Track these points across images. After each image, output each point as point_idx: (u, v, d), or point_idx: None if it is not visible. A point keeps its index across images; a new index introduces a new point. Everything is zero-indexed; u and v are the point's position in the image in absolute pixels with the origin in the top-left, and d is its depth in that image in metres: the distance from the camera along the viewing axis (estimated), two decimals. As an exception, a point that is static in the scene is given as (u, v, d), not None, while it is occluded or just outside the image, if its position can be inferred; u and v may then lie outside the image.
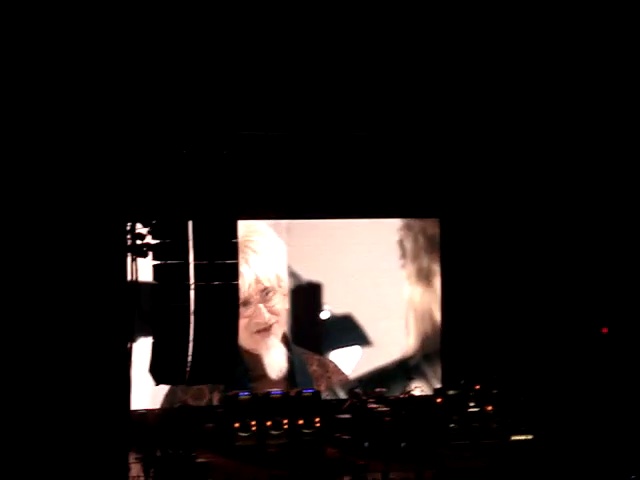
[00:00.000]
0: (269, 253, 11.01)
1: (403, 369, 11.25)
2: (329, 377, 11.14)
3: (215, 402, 10.62)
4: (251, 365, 10.93)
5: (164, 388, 10.42)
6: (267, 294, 11.00)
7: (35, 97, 9.52)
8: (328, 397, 10.91)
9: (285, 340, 11.12)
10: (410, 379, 10.99)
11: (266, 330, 10.97)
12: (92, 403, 9.80)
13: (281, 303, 11.07)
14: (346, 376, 11.17)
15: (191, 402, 10.59)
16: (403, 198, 11.20)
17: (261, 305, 10.97)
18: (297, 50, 10.18)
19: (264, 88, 10.19)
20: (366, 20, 10.24)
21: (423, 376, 11.26)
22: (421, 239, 11.43)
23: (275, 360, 11.04)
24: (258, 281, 10.93)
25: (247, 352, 10.81)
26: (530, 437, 10.16)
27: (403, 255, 11.40)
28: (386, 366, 11.26)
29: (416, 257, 11.41)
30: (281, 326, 11.07)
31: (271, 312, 11.00)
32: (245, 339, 10.49)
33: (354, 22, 10.25)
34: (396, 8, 10.11)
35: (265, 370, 10.99)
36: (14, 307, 9.68)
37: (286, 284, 11.12)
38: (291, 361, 11.03)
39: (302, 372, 11.09)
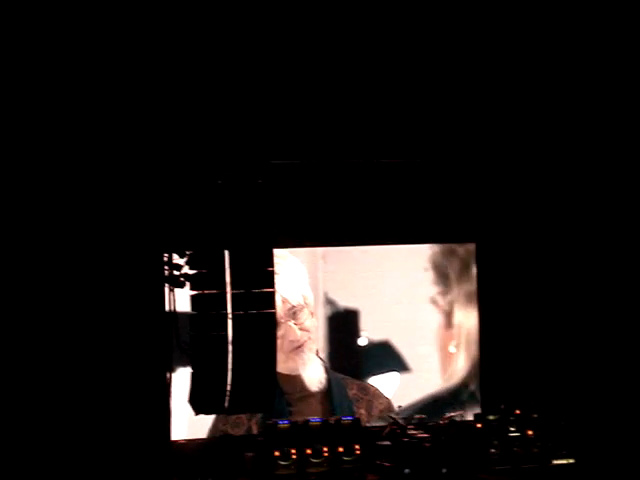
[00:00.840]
0: (290, 274, 11.01)
1: (452, 395, 11.22)
2: (369, 400, 11.11)
3: (254, 431, 10.60)
4: (290, 387, 10.92)
5: (204, 418, 10.42)
6: (295, 313, 10.99)
7: (73, 128, 9.66)
8: (369, 423, 10.86)
9: (319, 356, 11.11)
10: (453, 405, 10.95)
11: (300, 347, 10.96)
12: (132, 434, 9.88)
13: (310, 320, 11.05)
14: (387, 399, 11.13)
15: (230, 431, 10.59)
16: (438, 223, 11.17)
17: (291, 323, 10.96)
18: (329, 76, 10.24)
19: (297, 116, 10.25)
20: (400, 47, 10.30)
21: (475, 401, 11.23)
22: (458, 263, 11.40)
23: (314, 374, 10.99)
24: (285, 301, 10.92)
25: (285, 375, 10.81)
26: (572, 461, 10.07)
27: (443, 280, 11.35)
28: (430, 393, 11.22)
29: (459, 282, 11.37)
30: (313, 342, 11.05)
31: (302, 329, 10.99)
32: (282, 361, 10.50)
33: (390, 50, 10.30)
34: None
35: (306, 387, 10.95)
36: (53, 338, 9.79)
37: (311, 301, 11.09)
38: (329, 383, 11.02)
39: (341, 395, 11.06)
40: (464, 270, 11.36)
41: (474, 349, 11.24)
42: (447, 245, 11.33)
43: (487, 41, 10.37)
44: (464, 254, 11.31)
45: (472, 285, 11.31)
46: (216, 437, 10.52)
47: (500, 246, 11.23)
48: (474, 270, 11.29)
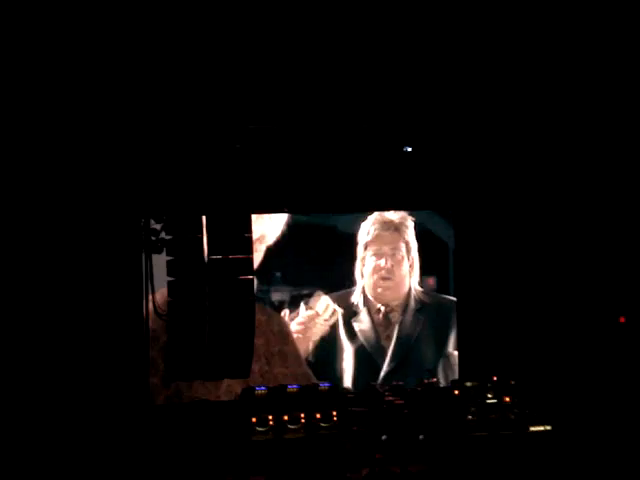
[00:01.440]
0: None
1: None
2: None
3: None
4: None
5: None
6: None
7: (47, 94, 9.59)
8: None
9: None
10: (428, 371, 10.96)
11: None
12: (112, 400, 9.91)
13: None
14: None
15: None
16: (414, 191, 11.16)
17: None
18: (314, 40, 10.16)
19: (274, 81, 10.18)
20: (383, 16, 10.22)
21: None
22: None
23: None
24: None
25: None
26: (549, 428, 10.09)
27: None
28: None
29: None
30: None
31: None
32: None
33: (372, 18, 10.22)
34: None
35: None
36: (23, 304, 9.77)
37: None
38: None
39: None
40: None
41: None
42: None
43: (472, 28, 10.28)
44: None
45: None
46: (195, 402, 10.52)
47: (477, 220, 11.23)
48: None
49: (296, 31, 9.77)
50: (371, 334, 11.21)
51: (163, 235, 9.66)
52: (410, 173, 11.01)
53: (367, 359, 11.20)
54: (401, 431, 9.94)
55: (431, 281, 11.40)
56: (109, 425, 9.91)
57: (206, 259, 9.61)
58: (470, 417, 10.14)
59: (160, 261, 9.78)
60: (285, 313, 11.04)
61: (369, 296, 11.21)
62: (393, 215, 11.23)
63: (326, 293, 11.13)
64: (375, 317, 11.23)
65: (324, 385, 10.18)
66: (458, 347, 11.29)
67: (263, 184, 10.34)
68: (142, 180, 10.00)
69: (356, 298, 11.19)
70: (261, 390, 9.97)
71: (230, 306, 9.67)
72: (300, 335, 11.00)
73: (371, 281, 11.22)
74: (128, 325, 10.13)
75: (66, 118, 9.73)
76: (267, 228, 10.78)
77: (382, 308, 11.24)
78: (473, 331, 11.17)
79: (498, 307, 11.07)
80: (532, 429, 10.09)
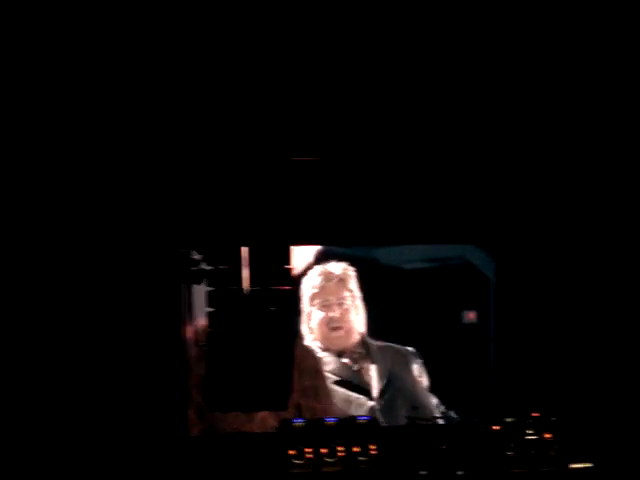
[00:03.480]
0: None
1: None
2: None
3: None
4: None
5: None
6: None
7: (91, 120, 9.69)
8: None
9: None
10: (415, 408, 10.87)
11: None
12: (150, 429, 9.91)
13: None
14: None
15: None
16: (456, 225, 11.13)
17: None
18: (348, 77, 10.21)
19: (317, 113, 10.22)
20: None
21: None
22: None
23: None
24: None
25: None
26: (590, 465, 9.97)
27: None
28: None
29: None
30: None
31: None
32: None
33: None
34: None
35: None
36: (64, 333, 9.83)
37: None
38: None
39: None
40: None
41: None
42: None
43: (487, 39, 10.28)
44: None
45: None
46: (231, 434, 10.49)
47: (519, 254, 11.18)
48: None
49: (338, 65, 9.83)
50: (342, 368, 11.19)
51: (203, 266, 9.69)
52: (452, 206, 10.99)
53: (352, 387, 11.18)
54: (440, 466, 9.87)
55: (472, 315, 11.33)
56: (145, 456, 9.91)
57: (246, 290, 9.62)
58: (509, 453, 10.06)
59: (200, 292, 9.80)
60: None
61: (327, 345, 11.19)
62: (335, 267, 11.24)
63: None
64: (339, 359, 11.21)
65: (362, 418, 10.15)
66: (497, 381, 11.20)
67: (303, 217, 10.36)
68: (183, 211, 10.06)
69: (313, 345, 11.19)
70: (299, 422, 9.94)
71: (269, 337, 9.67)
72: None
73: (321, 334, 11.17)
74: (167, 355, 10.15)
75: (111, 148, 9.82)
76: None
77: (343, 352, 11.23)
78: (513, 365, 11.08)
79: (539, 341, 10.99)
80: (573, 466, 9.98)
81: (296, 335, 10.45)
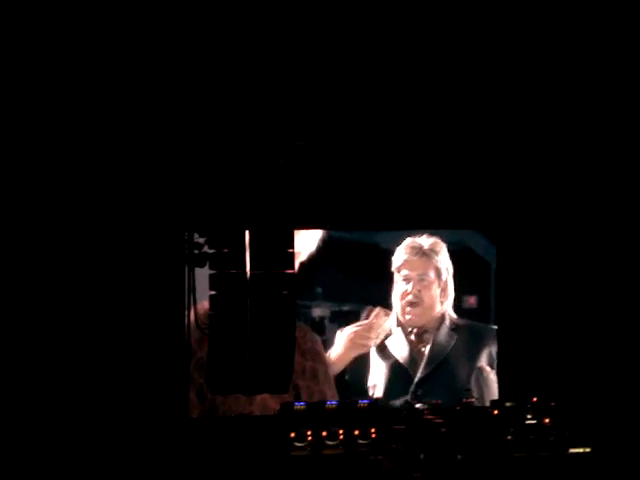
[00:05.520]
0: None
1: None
2: None
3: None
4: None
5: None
6: None
7: (95, 101, 9.70)
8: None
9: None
10: (467, 390, 10.92)
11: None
12: (151, 412, 9.93)
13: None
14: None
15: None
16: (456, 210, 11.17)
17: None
18: (353, 62, 10.22)
19: (320, 98, 10.24)
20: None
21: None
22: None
23: None
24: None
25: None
26: (588, 450, 10.03)
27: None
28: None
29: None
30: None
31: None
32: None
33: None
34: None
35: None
36: (66, 315, 9.84)
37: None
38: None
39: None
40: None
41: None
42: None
43: (486, 35, 10.31)
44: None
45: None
46: (232, 416, 10.52)
47: (519, 239, 11.22)
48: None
49: (341, 50, 9.85)
50: (404, 350, 11.21)
51: (206, 249, 9.68)
52: (452, 191, 11.03)
53: (401, 374, 11.20)
54: (439, 450, 9.91)
55: (472, 300, 11.39)
56: (146, 438, 9.95)
57: (248, 274, 9.62)
58: (509, 437, 10.10)
59: (203, 275, 9.80)
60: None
61: (401, 320, 11.21)
62: (424, 240, 11.24)
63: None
64: (408, 337, 11.22)
65: (363, 402, 10.18)
66: (498, 367, 11.26)
67: (306, 200, 10.38)
68: (186, 194, 10.07)
69: (390, 322, 11.20)
70: (300, 405, 9.98)
71: (271, 321, 9.67)
72: (351, 344, 11.02)
73: (399, 306, 11.23)
74: (169, 338, 10.18)
75: (112, 132, 9.83)
76: (300, 244, 10.79)
77: (415, 330, 11.24)
78: (513, 351, 11.14)
79: (539, 327, 11.04)
80: (572, 451, 10.02)
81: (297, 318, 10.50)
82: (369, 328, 11.15)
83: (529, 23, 10.06)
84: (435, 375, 11.20)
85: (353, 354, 11.10)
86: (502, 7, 9.86)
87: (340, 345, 11.11)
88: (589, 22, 10.07)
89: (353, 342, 11.10)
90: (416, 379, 11.16)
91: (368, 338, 11.14)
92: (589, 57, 10.28)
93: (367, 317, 11.16)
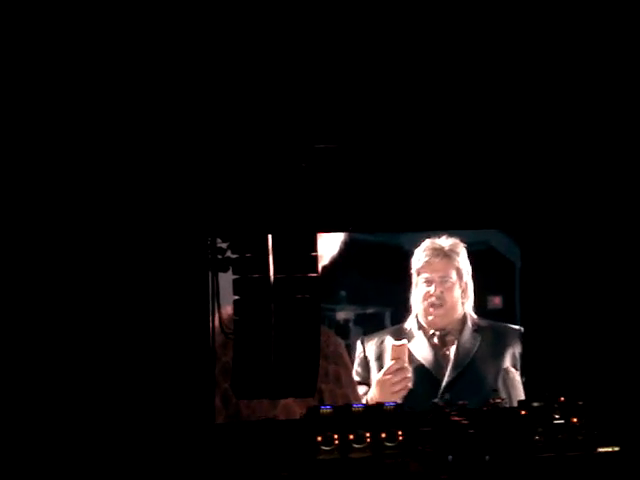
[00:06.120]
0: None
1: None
2: None
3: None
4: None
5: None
6: None
7: (118, 106, 9.73)
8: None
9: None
10: (494, 391, 10.88)
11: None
12: (176, 417, 9.94)
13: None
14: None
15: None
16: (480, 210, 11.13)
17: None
18: (372, 65, 10.21)
19: (341, 101, 10.23)
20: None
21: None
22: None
23: None
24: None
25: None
26: (617, 449, 9.98)
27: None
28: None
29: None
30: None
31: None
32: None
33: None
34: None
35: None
36: (91, 320, 9.87)
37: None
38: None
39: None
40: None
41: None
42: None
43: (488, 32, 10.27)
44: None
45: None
46: (259, 421, 10.51)
47: (544, 238, 11.17)
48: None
49: (362, 52, 9.85)
50: (429, 354, 11.16)
51: (229, 254, 9.69)
52: (475, 191, 10.99)
53: (427, 377, 11.15)
54: (467, 451, 9.88)
55: (497, 300, 11.34)
56: (172, 444, 9.95)
57: (272, 278, 9.61)
58: (537, 438, 10.06)
59: (226, 280, 9.81)
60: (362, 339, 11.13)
61: (422, 323, 11.17)
62: (444, 242, 11.20)
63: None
64: (431, 340, 11.18)
65: (389, 404, 10.16)
66: (524, 367, 11.20)
67: (328, 203, 10.37)
68: (209, 199, 10.08)
69: (410, 324, 11.16)
70: (326, 409, 9.97)
71: (296, 325, 9.66)
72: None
73: (421, 308, 11.19)
74: (193, 343, 10.19)
75: (135, 137, 9.85)
76: (322, 248, 10.77)
77: (437, 333, 11.20)
78: (540, 351, 11.09)
79: (565, 326, 10.99)
80: (600, 450, 9.98)
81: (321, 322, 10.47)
82: (397, 370, 11.08)
83: (541, 15, 10.01)
84: (463, 378, 11.13)
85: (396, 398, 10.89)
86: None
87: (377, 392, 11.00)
88: (599, 13, 10.03)
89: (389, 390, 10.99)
90: (444, 383, 11.09)
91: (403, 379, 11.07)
92: (608, 47, 10.23)
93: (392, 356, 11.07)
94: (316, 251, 9.72)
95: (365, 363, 11.07)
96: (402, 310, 11.17)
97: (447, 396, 10.81)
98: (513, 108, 10.54)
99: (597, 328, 10.94)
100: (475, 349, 11.19)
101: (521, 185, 11.08)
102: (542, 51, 10.17)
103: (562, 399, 10.17)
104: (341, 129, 10.28)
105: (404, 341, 11.03)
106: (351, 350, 11.10)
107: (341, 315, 11.04)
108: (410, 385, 11.00)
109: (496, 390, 10.93)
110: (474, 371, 11.18)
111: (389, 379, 10.97)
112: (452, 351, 11.17)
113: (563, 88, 10.40)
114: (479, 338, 11.21)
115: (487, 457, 9.85)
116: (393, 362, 10.97)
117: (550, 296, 11.09)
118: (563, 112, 10.59)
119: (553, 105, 10.55)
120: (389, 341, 11.08)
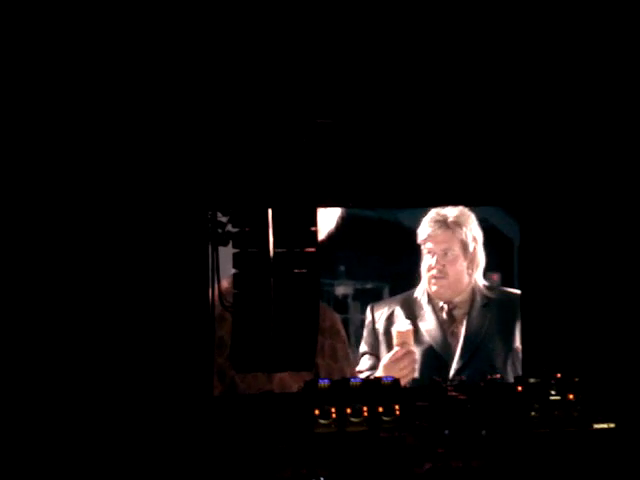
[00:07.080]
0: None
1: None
2: None
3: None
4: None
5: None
6: None
7: (115, 83, 9.73)
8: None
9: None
10: (492, 366, 10.93)
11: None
12: (175, 390, 9.99)
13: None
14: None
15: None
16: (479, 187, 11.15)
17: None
18: (373, 44, 10.20)
19: (342, 76, 10.22)
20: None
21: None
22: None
23: None
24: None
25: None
26: (612, 425, 10.02)
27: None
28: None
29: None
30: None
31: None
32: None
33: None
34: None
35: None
36: (91, 294, 9.90)
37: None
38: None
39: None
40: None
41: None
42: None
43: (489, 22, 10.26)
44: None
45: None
46: (257, 394, 10.56)
47: (542, 216, 11.20)
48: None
49: (362, 27, 9.82)
50: (437, 333, 11.18)
51: (229, 228, 9.70)
52: (475, 168, 11.00)
53: (435, 358, 11.19)
54: (463, 426, 9.93)
55: (495, 277, 11.36)
56: (169, 416, 10.00)
57: (271, 252, 9.63)
58: (533, 414, 10.11)
59: (226, 253, 9.83)
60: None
61: (429, 292, 11.19)
62: (449, 211, 11.19)
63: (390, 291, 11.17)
64: (439, 315, 11.20)
65: (387, 379, 10.20)
66: (522, 343, 11.25)
67: (328, 178, 10.39)
68: (209, 173, 10.10)
69: (418, 293, 11.18)
70: (324, 383, 10.01)
71: (294, 299, 9.69)
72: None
73: (426, 278, 11.22)
74: (193, 316, 10.23)
75: (133, 112, 9.86)
76: (319, 223, 10.77)
77: (445, 306, 11.22)
78: (537, 327, 11.14)
79: (563, 304, 11.03)
80: (596, 427, 10.02)
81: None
82: (403, 355, 11.10)
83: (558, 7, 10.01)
84: (472, 358, 11.15)
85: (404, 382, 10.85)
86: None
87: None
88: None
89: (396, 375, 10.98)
90: (454, 364, 11.13)
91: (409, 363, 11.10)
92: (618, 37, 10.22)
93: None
94: (316, 226, 9.72)
95: (374, 335, 11.11)
96: (402, 285, 11.23)
97: (456, 380, 10.76)
98: (513, 85, 10.53)
99: (594, 306, 10.98)
100: (484, 330, 11.20)
101: (521, 162, 11.09)
102: (538, 33, 10.14)
103: (559, 375, 10.19)
104: (341, 104, 10.28)
105: (409, 326, 11.07)
106: (348, 324, 11.15)
107: (340, 290, 11.08)
108: (417, 368, 11.06)
109: (493, 365, 10.97)
110: (483, 352, 11.20)
111: (395, 365, 11.03)
112: (461, 331, 11.18)
113: (563, 67, 10.39)
114: (488, 316, 11.22)
115: (483, 432, 9.91)
116: (398, 348, 11.02)
117: (548, 273, 11.12)
118: (562, 89, 10.58)
119: (553, 83, 10.54)
120: (399, 312, 11.11)
